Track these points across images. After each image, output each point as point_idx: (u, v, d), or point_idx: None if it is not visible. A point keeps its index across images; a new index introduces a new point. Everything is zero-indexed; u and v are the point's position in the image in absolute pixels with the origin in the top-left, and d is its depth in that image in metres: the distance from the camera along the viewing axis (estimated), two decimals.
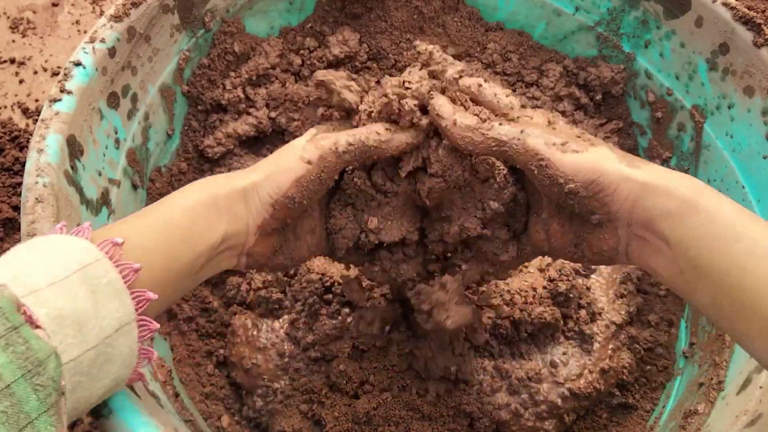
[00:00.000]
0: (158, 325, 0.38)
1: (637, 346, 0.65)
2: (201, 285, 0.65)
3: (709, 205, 0.39)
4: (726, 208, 0.39)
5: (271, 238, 0.47)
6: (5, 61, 0.89)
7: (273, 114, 0.69)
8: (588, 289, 0.67)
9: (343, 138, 0.45)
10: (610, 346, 0.64)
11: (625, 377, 0.63)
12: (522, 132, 0.43)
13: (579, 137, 0.44)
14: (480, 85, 0.45)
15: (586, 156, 0.42)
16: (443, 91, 0.46)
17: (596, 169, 0.41)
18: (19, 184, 0.76)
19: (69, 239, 0.36)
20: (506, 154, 0.43)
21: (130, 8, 0.56)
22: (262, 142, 0.71)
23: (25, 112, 0.85)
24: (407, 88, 0.46)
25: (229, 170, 0.68)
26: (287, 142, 0.70)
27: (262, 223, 0.44)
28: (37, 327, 0.31)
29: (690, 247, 0.39)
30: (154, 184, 0.62)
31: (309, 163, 0.44)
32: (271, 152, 0.73)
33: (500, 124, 0.43)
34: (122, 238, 0.37)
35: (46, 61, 0.90)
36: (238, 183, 0.44)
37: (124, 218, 0.41)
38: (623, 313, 0.66)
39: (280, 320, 0.65)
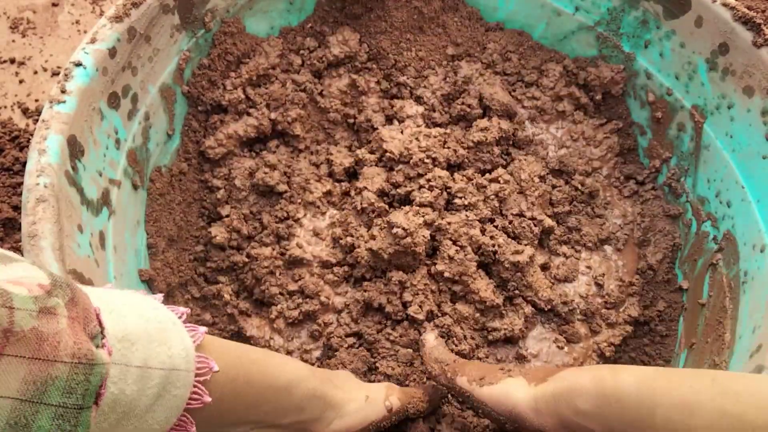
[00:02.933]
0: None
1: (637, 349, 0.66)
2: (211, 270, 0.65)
3: (617, 392, 0.41)
4: (627, 384, 0.41)
5: None
6: (5, 61, 0.89)
7: (273, 115, 0.69)
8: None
9: (416, 399, 0.55)
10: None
11: None
12: (450, 375, 0.52)
13: (501, 369, 0.50)
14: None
15: (498, 387, 0.48)
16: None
17: (509, 400, 0.47)
18: (19, 184, 0.76)
19: (183, 332, 0.36)
20: (448, 389, 0.53)
21: (131, 8, 0.56)
22: (263, 142, 0.70)
23: (25, 112, 0.85)
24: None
25: (230, 171, 0.68)
26: (288, 142, 0.71)
27: None
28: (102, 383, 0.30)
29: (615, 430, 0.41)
30: (155, 185, 0.63)
31: (390, 411, 0.52)
32: (273, 153, 0.72)
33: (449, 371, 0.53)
34: (219, 367, 0.38)
35: (46, 61, 0.90)
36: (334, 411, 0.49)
37: (228, 343, 0.42)
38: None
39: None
